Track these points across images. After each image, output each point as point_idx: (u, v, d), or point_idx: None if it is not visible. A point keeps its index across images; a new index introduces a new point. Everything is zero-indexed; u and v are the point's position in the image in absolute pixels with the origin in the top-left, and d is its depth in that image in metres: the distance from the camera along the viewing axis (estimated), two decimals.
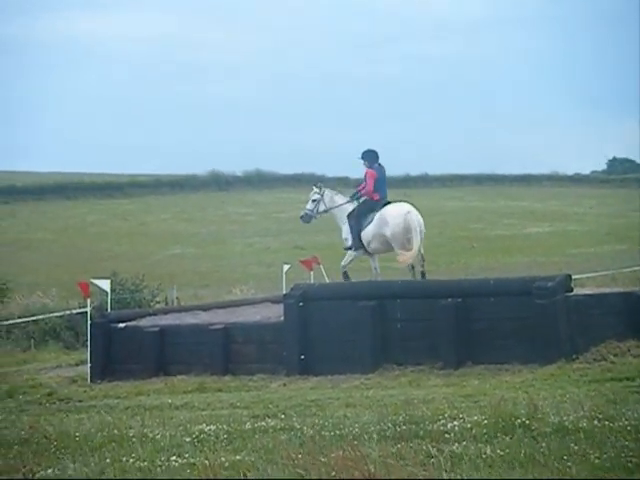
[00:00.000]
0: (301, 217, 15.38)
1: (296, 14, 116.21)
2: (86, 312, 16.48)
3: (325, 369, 13.49)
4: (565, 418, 7.85)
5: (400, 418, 8.47)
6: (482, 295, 13.23)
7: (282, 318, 14.26)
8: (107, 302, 17.06)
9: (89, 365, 14.96)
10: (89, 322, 15.59)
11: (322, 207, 15.16)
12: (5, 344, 20.23)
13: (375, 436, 7.79)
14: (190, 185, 63.92)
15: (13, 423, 10.16)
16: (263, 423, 9.04)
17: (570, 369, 12.12)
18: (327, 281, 17.33)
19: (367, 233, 14.80)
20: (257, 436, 8.33)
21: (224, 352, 14.30)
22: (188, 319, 15.70)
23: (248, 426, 8.90)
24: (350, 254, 14.97)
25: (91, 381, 14.69)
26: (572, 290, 13.38)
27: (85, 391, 13.95)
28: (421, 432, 7.82)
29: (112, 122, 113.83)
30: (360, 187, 15.32)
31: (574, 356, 12.50)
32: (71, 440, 8.38)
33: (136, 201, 59.27)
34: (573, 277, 14.22)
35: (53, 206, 57.67)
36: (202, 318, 15.69)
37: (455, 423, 8.03)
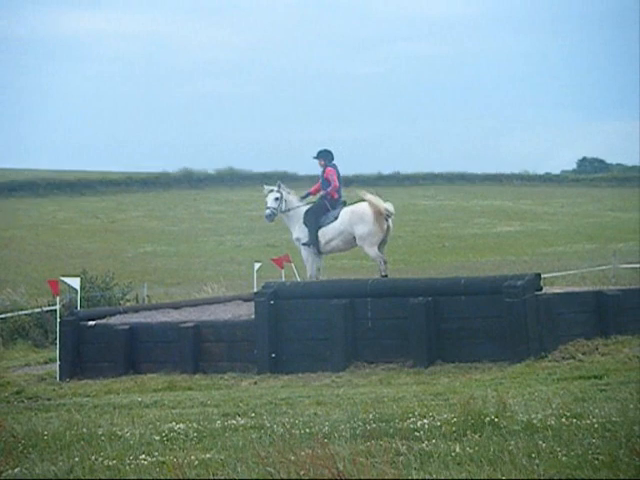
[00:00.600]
0: (267, 216, 15.27)
1: (289, 13, 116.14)
2: (55, 310, 16.37)
3: (296, 367, 13.50)
4: (533, 416, 7.90)
5: (370, 416, 8.49)
6: (453, 294, 13.29)
7: (253, 316, 14.24)
8: (77, 300, 16.97)
9: (58, 363, 14.86)
10: (58, 320, 15.47)
11: (284, 206, 15.18)
12: None
13: (345, 434, 7.80)
14: (162, 183, 63.71)
15: None
16: (233, 421, 9.02)
17: (539, 367, 12.21)
18: (298, 279, 17.33)
19: (329, 230, 14.90)
20: (227, 434, 8.31)
21: (195, 350, 14.26)
22: (159, 317, 15.64)
23: (218, 424, 8.88)
24: (308, 258, 15.04)
25: (60, 379, 14.59)
26: (542, 289, 13.48)
27: (54, 389, 13.85)
28: (391, 430, 7.84)
29: (82, 119, 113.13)
30: (313, 188, 15.42)
31: (543, 354, 12.60)
32: (39, 439, 8.31)
33: (107, 199, 58.98)
34: (543, 276, 14.34)
35: (24, 203, 57.24)
36: (173, 316, 15.64)
37: (425, 421, 8.06)
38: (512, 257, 35.08)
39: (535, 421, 7.69)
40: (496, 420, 7.69)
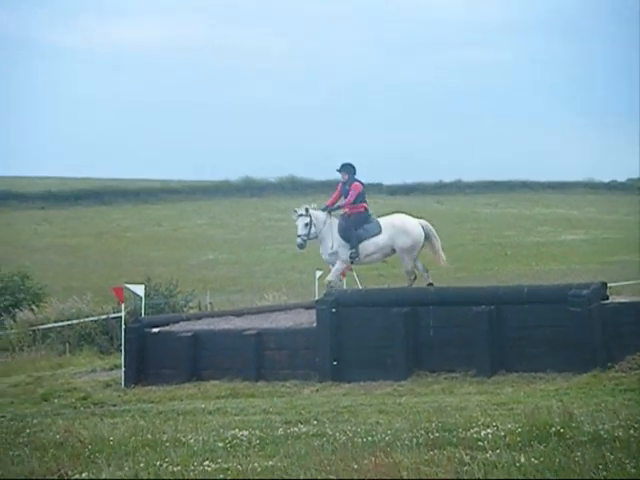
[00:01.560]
0: (298, 245, 15.05)
1: (327, 21, 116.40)
2: (120, 317, 16.59)
3: (358, 375, 13.47)
4: (600, 427, 7.77)
5: (433, 425, 8.43)
6: (516, 302, 13.14)
7: (314, 324, 14.26)
8: (141, 307, 17.17)
9: (123, 369, 15.05)
10: (123, 327, 15.68)
11: (313, 229, 14.98)
12: (41, 348, 20.42)
13: (407, 443, 7.76)
14: (224, 191, 64.24)
15: (49, 426, 10.24)
16: (295, 429, 9.03)
17: (605, 378, 12.00)
18: (360, 287, 17.31)
19: (371, 245, 14.97)
20: (289, 442, 8.33)
21: (257, 358, 14.33)
22: (221, 324, 15.75)
23: (280, 432, 8.90)
24: (338, 268, 15.03)
25: (125, 385, 14.78)
26: (607, 298, 13.26)
27: (119, 395, 14.03)
28: (454, 440, 7.78)
29: (145, 128, 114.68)
30: (331, 200, 15.30)
31: (609, 365, 12.38)
32: (105, 444, 8.43)
33: (170, 207, 59.70)
34: (609, 285, 14.09)
35: (89, 211, 58.27)
36: (235, 324, 15.74)
37: (488, 431, 7.98)
38: (576, 266, 34.58)
39: (602, 432, 7.56)
40: (562, 431, 7.58)
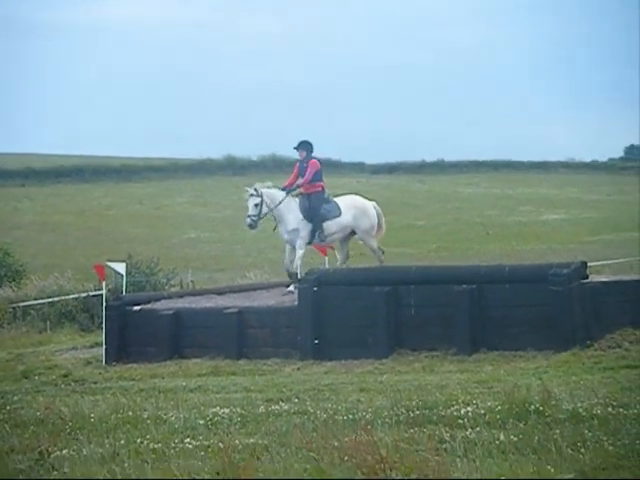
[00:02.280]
0: (248, 225, 15.00)
1: (326, 3, 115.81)
2: (102, 294, 16.54)
3: (339, 354, 13.51)
4: (579, 405, 7.84)
5: (413, 403, 8.48)
6: (497, 282, 13.19)
7: (296, 303, 14.27)
8: (122, 285, 17.12)
9: (104, 347, 15.02)
10: (104, 304, 15.64)
11: (265, 209, 14.94)
12: (21, 325, 20.32)
13: (388, 421, 7.80)
14: (206, 169, 63.96)
15: (29, 404, 10.22)
16: (277, 407, 9.07)
17: (584, 356, 12.09)
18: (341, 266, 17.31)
19: (334, 224, 15.13)
20: (271, 419, 8.36)
21: (238, 336, 14.32)
22: (203, 303, 15.74)
23: (262, 410, 8.93)
24: (302, 249, 15.04)
25: (106, 363, 14.75)
26: (588, 277, 13.34)
27: (100, 373, 14.01)
28: (434, 417, 7.83)
29: (129, 105, 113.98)
30: (290, 181, 15.30)
31: (588, 343, 12.47)
32: (86, 421, 8.44)
33: (153, 185, 59.40)
34: (589, 264, 14.16)
35: (70, 189, 57.88)
36: (217, 302, 15.73)
37: (469, 409, 8.04)
38: (557, 245, 34.73)
39: (581, 410, 7.63)
40: (541, 409, 7.65)
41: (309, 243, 15.25)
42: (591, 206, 50.26)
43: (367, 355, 13.32)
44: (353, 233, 15.52)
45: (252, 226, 15.05)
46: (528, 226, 43.06)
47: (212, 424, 8.24)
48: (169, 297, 16.66)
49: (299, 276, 14.90)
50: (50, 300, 21.26)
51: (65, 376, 13.82)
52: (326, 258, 17.60)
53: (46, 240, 41.91)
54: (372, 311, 13.60)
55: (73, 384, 13.16)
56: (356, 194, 16.12)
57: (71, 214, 49.23)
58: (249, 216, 14.93)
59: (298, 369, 13.20)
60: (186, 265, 27.05)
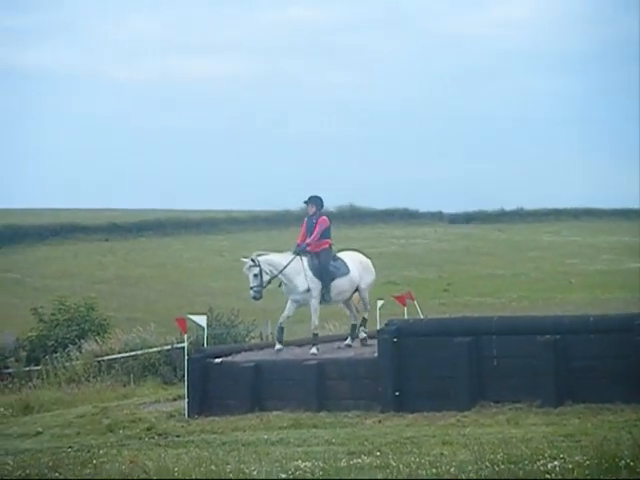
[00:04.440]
0: (253, 297, 14.99)
1: (384, 52, 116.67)
2: (183, 347, 16.71)
3: (421, 406, 13.36)
4: None
5: (498, 457, 8.31)
6: (581, 332, 12.94)
7: (376, 354, 14.20)
8: (204, 337, 17.28)
9: (186, 400, 15.13)
10: (186, 357, 15.78)
11: (266, 277, 14.82)
12: (106, 379, 20.64)
13: (473, 476, 7.67)
14: (284, 221, 64.47)
15: (114, 457, 10.34)
16: (359, 460, 8.99)
17: None
18: (421, 317, 17.20)
19: (345, 282, 15.12)
20: (353, 474, 8.29)
21: (318, 388, 14.30)
22: (283, 355, 15.77)
23: (344, 463, 8.86)
24: (317, 309, 15.03)
25: (188, 416, 14.84)
26: None
27: (183, 426, 14.10)
28: (520, 472, 7.66)
29: (207, 158, 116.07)
30: (300, 238, 15.15)
31: None
32: (170, 475, 8.49)
33: (232, 237, 60.14)
34: None
35: (152, 242, 59.00)
36: (296, 354, 15.74)
37: (556, 463, 7.84)
38: None
39: None
40: (632, 464, 7.42)
41: (320, 302, 15.13)
42: None
43: (449, 407, 13.15)
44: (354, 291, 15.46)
45: (256, 298, 14.98)
46: (611, 275, 42.20)
47: (294, 478, 8.21)
48: (249, 349, 16.75)
49: (315, 334, 15.09)
50: (134, 353, 21.56)
51: (149, 429, 13.95)
52: (405, 309, 17.51)
53: (129, 293, 42.70)
54: (453, 362, 13.44)
55: (157, 437, 13.27)
56: (356, 250, 16.04)
57: (153, 267, 50.11)
58: (251, 288, 14.87)
59: (379, 421, 13.08)
60: (266, 317, 27.18)
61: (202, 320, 16.78)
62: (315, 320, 15.15)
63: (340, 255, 15.44)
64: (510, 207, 67.69)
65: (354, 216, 66.37)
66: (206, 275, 46.75)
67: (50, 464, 9.68)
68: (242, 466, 8.88)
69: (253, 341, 21.94)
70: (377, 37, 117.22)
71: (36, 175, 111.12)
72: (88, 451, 11.57)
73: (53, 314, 24.73)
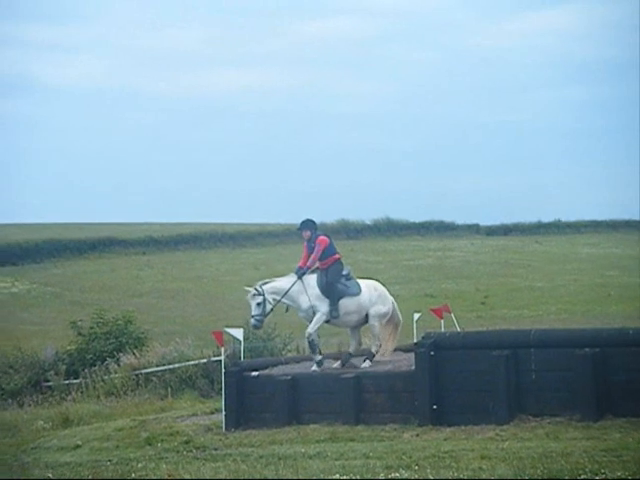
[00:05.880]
0: (254, 326, 15.17)
1: (417, 63, 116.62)
2: (220, 360, 16.77)
3: (458, 419, 13.28)
4: None
5: (538, 472, 8.24)
6: (621, 345, 12.79)
7: (413, 367, 14.15)
8: (240, 350, 17.31)
9: (224, 413, 15.17)
10: (223, 370, 15.83)
11: (268, 306, 14.88)
12: (144, 392, 20.74)
13: None
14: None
15: (153, 470, 10.39)
16: (397, 474, 8.95)
17: None
18: (458, 330, 17.11)
19: (353, 303, 14.93)
20: None
21: (355, 401, 14.27)
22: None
23: (382, 477, 8.84)
24: (319, 319, 14.87)
25: (226, 429, 14.87)
26: None
27: (220, 439, 14.13)
28: None
29: (241, 171, 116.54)
30: (302, 262, 15.11)
31: None
32: None
33: (267, 250, 60.33)
34: None
35: (188, 256, 59.35)
36: (333, 367, 15.71)
37: (597, 478, 7.75)
38: None
39: None
40: None
41: (327, 321, 15.00)
42: None
43: (487, 421, 13.05)
44: (365, 322, 15.21)
45: (257, 326, 15.15)
46: None
47: None
48: (286, 362, 16.77)
49: (313, 350, 14.99)
50: (171, 367, 21.65)
51: (187, 442, 13.99)
52: (442, 322, 17.43)
53: (166, 307, 42.95)
54: (491, 375, 13.34)
55: (194, 451, 13.31)
56: (376, 280, 15.85)
57: (189, 281, 50.38)
58: (253, 317, 14.96)
59: (417, 435, 13.02)
60: (302, 330, 27.17)
61: (239, 333, 16.83)
62: (312, 329, 14.96)
63: (358, 280, 15.37)
64: (548, 219, 67.22)
65: (390, 229, 66.29)
66: (242, 288, 46.87)
67: (89, 477, 9.75)
68: None
69: (290, 354, 21.93)
70: (411, 48, 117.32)
71: (73, 190, 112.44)
72: (127, 464, 11.64)
73: (92, 327, 24.89)
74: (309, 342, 15.25)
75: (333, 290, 14.87)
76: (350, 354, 15.53)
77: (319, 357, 15.24)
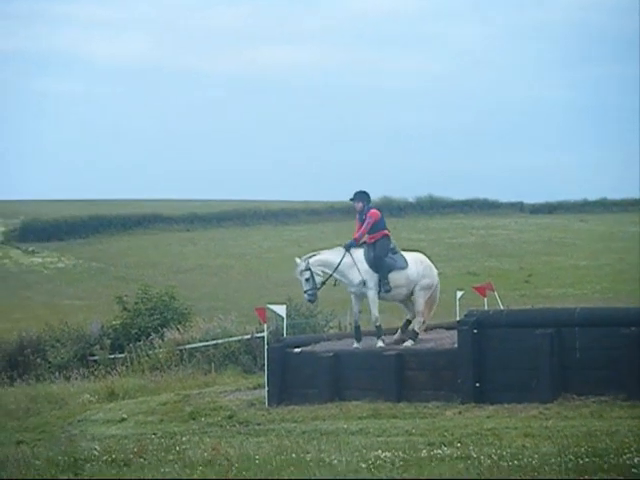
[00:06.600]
0: (308, 301, 15.23)
1: (464, 41, 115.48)
2: (263, 337, 16.86)
3: (501, 397, 13.22)
4: None
5: (582, 450, 8.20)
6: None
7: (456, 345, 14.11)
8: (283, 327, 17.41)
9: (266, 389, 15.28)
10: (266, 347, 15.93)
11: (318, 279, 14.74)
12: (187, 367, 20.96)
13: (556, 468, 7.57)
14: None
15: (196, 444, 10.51)
16: (439, 451, 8.95)
17: None
18: (501, 308, 17.02)
19: (402, 277, 14.77)
20: (433, 464, 8.27)
21: (398, 378, 14.27)
22: (362, 344, 15.76)
23: (424, 454, 8.84)
24: (375, 300, 14.76)
25: (268, 405, 14.98)
26: None
27: (263, 415, 14.24)
28: (605, 466, 7.54)
29: (285, 149, 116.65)
30: (358, 233, 14.93)
31: None
32: (251, 463, 8.59)
33: (310, 227, 60.39)
34: None
35: (231, 233, 59.63)
36: (375, 344, 15.72)
37: None
38: None
39: None
40: None
41: (379, 295, 14.89)
42: None
43: (530, 399, 12.98)
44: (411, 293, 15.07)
45: (311, 300, 15.17)
46: None
47: (374, 468, 8.22)
48: (328, 339, 16.81)
49: (377, 326, 14.87)
50: (214, 342, 21.83)
51: (230, 417, 14.13)
52: (485, 299, 17.35)
53: (209, 283, 43.24)
54: (535, 354, 13.26)
55: (238, 425, 13.43)
56: (421, 252, 15.76)
57: (232, 257, 50.65)
58: (305, 292, 14.93)
59: (459, 412, 13.00)
60: (344, 307, 27.20)
61: (281, 310, 16.89)
62: (375, 312, 14.96)
63: (403, 253, 15.28)
64: (593, 197, 66.40)
65: (433, 207, 65.94)
66: (285, 265, 46.97)
67: (135, 450, 9.89)
68: (322, 455, 8.94)
69: (332, 331, 21.98)
70: (459, 27, 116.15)
71: (120, 167, 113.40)
72: (171, 438, 11.79)
73: (136, 303, 25.17)
74: (376, 327, 15.12)
75: (382, 264, 14.75)
76: (408, 320, 15.43)
77: (356, 345, 15.18)
